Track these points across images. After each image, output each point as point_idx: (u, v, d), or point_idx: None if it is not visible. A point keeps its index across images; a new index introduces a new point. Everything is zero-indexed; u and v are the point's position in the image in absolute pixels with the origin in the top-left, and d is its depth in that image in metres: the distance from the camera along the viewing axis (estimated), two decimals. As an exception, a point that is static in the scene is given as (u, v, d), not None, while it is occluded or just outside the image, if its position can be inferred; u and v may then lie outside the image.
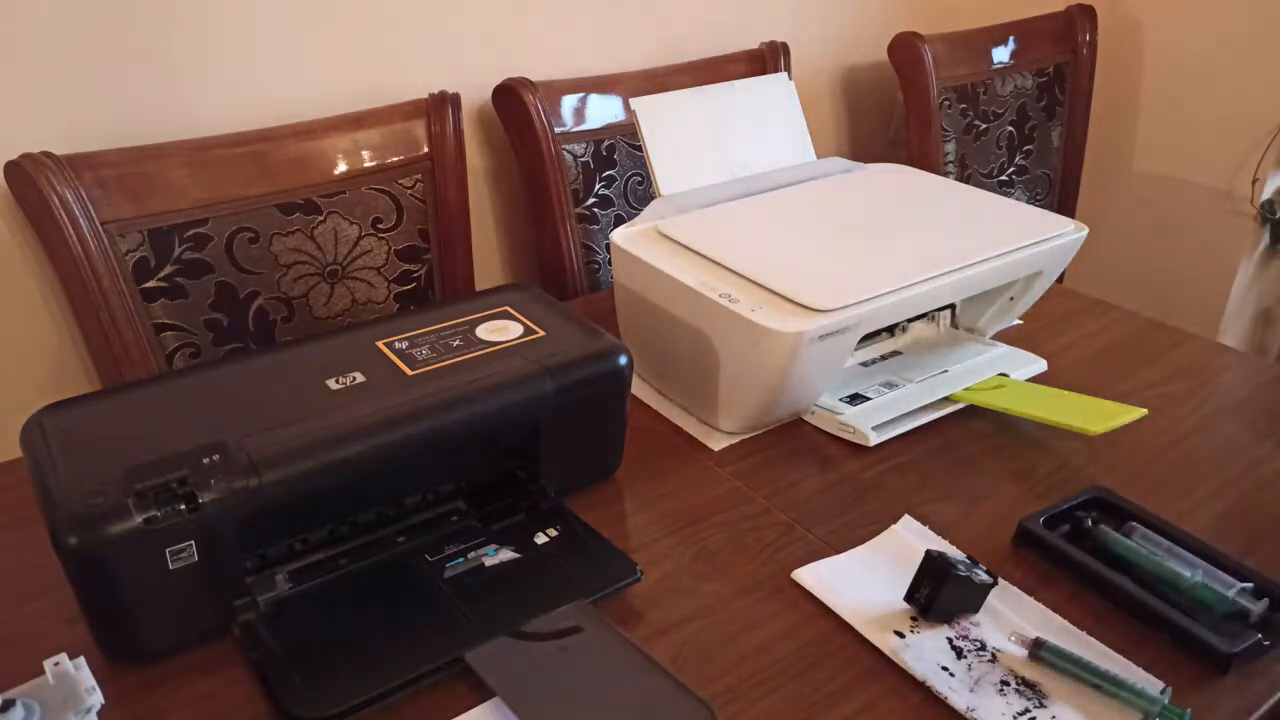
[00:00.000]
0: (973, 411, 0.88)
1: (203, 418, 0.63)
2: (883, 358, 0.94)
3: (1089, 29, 1.71)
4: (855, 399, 0.87)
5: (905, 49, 1.51)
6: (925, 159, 1.54)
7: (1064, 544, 0.70)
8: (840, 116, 1.67)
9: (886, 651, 0.62)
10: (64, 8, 0.95)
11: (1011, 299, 0.94)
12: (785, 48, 1.43)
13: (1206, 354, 0.98)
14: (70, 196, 0.92)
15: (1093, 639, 0.63)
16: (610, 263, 0.95)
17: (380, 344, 0.72)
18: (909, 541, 0.72)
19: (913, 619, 0.65)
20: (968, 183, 1.41)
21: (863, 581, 0.68)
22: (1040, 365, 0.94)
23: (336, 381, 0.67)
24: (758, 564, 0.70)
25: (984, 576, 0.65)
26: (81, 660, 0.52)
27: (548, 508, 0.73)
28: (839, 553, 0.71)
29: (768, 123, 1.03)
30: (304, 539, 0.67)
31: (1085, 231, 0.90)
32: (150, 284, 0.99)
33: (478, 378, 0.68)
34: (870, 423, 0.83)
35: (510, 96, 1.20)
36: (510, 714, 0.57)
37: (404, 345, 0.72)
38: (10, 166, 0.91)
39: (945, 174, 1.57)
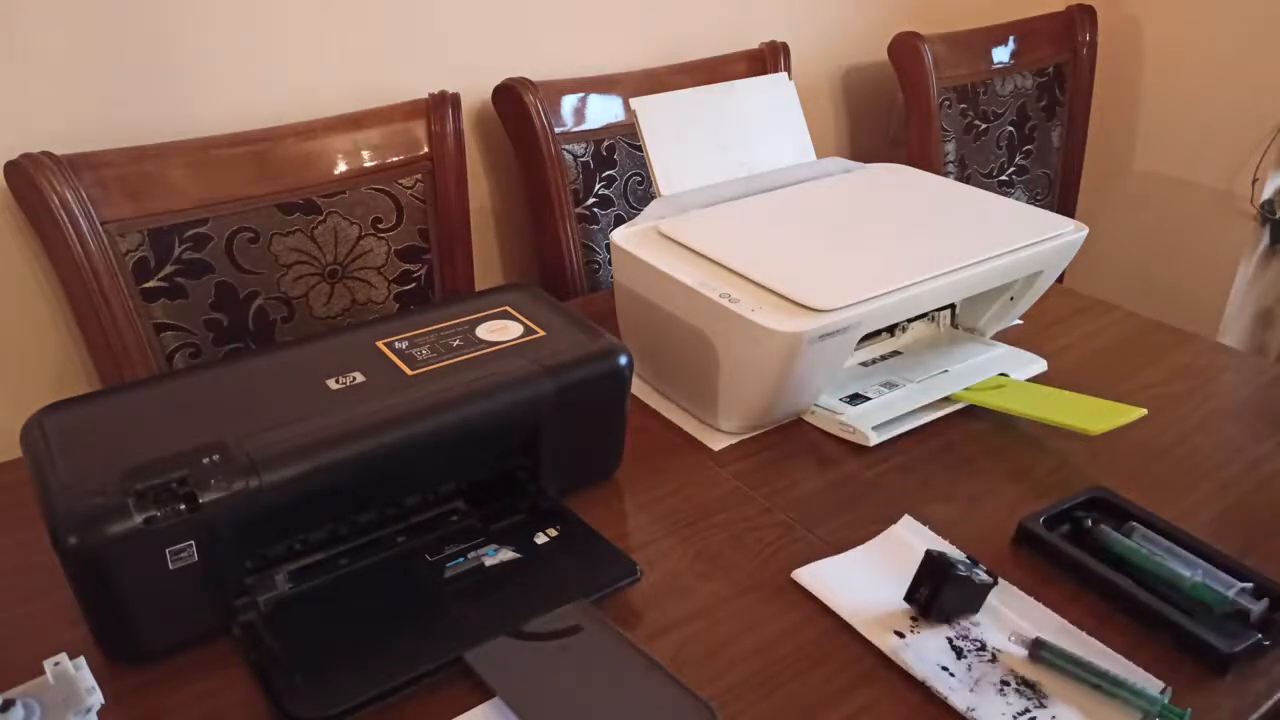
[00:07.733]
0: (972, 411, 0.88)
1: (203, 418, 0.63)
2: (883, 358, 0.94)
3: (1089, 29, 1.71)
4: (855, 399, 0.87)
5: (905, 49, 1.51)
6: (925, 159, 1.54)
7: (1064, 544, 0.70)
8: (840, 116, 1.67)
9: (886, 651, 0.62)
10: (64, 8, 0.95)
11: (1011, 299, 0.94)
12: (785, 48, 1.43)
13: (1206, 354, 0.98)
14: (70, 196, 0.92)
15: (1093, 639, 0.63)
16: (610, 263, 0.95)
17: (380, 344, 0.72)
18: (909, 541, 0.72)
19: (913, 619, 0.65)
20: (968, 183, 1.41)
21: (863, 581, 0.68)
22: (1040, 365, 0.94)
23: (336, 381, 0.67)
24: (758, 564, 0.70)
25: (984, 576, 0.65)
26: (81, 660, 0.52)
27: (548, 508, 0.73)
28: (839, 553, 0.71)
29: (768, 123, 1.03)
30: (304, 539, 0.67)
31: (1085, 231, 0.90)
32: (150, 284, 0.99)
33: (478, 378, 0.68)
34: (870, 423, 0.83)
35: (510, 96, 1.20)
36: (510, 714, 0.57)
37: (404, 345, 0.72)
38: (10, 166, 0.91)
39: (945, 174, 1.57)
